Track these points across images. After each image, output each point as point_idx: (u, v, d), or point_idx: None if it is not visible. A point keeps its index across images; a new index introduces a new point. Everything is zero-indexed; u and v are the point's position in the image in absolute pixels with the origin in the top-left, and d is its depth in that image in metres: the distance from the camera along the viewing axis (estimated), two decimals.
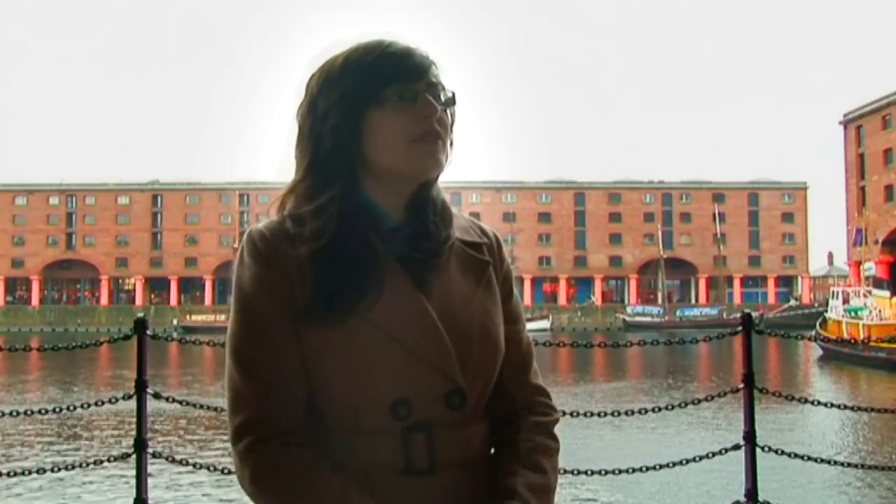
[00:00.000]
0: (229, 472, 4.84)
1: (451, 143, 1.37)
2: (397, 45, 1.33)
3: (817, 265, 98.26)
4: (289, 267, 1.28)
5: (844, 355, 34.30)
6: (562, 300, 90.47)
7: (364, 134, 1.31)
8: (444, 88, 1.35)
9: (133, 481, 4.72)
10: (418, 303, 1.30)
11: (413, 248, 1.33)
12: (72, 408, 5.38)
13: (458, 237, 1.40)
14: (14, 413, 5.26)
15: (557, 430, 1.44)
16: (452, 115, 1.36)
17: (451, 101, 1.35)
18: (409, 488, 1.27)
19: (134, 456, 4.61)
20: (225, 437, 1.38)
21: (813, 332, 29.85)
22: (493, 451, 1.39)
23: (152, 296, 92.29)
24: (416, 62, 1.32)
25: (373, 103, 1.30)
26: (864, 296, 40.68)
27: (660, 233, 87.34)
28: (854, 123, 70.43)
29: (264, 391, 1.26)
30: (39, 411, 5.67)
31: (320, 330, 1.26)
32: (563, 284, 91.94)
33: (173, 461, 5.49)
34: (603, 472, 5.23)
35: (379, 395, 1.27)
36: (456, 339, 1.30)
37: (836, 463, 5.79)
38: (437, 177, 1.38)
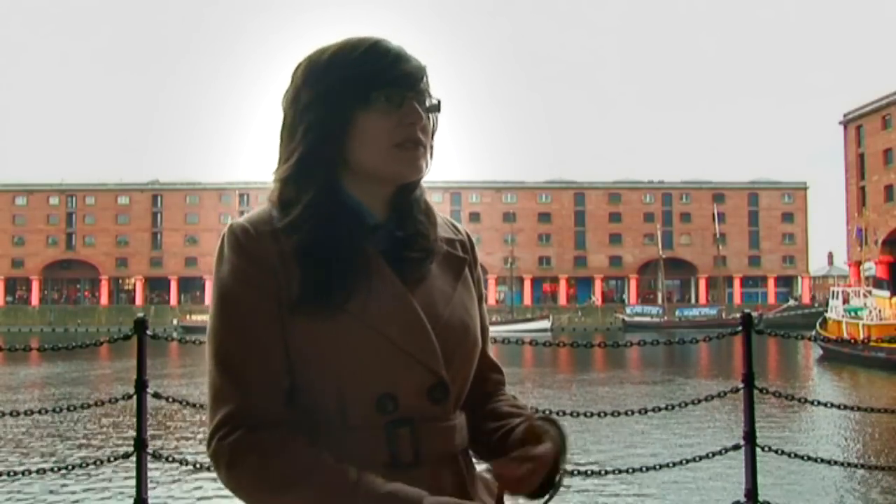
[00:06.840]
0: None
1: (432, 149, 1.39)
2: (391, 48, 1.33)
3: (817, 265, 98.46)
4: (272, 261, 1.28)
5: (844, 355, 34.26)
6: (562, 300, 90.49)
7: (348, 133, 1.31)
8: (430, 95, 1.36)
9: (133, 481, 4.72)
10: (404, 298, 1.31)
11: (407, 247, 1.35)
12: (72, 408, 5.39)
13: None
14: (14, 413, 5.27)
15: None
16: (435, 122, 1.38)
17: (436, 108, 1.37)
18: (395, 481, 1.26)
19: (134, 456, 4.61)
20: None
21: (813, 332, 29.85)
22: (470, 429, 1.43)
23: (152, 296, 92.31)
24: (409, 68, 1.32)
25: (359, 104, 1.30)
26: (864, 296, 40.64)
27: (660, 233, 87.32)
28: (854, 123, 70.47)
29: (246, 387, 1.25)
30: (39, 411, 5.67)
31: (307, 325, 1.26)
32: (563, 284, 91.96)
33: (173, 461, 5.49)
34: (603, 473, 5.24)
35: (365, 389, 1.27)
36: (439, 335, 1.31)
37: (836, 463, 5.80)
38: (420, 179, 1.39)
